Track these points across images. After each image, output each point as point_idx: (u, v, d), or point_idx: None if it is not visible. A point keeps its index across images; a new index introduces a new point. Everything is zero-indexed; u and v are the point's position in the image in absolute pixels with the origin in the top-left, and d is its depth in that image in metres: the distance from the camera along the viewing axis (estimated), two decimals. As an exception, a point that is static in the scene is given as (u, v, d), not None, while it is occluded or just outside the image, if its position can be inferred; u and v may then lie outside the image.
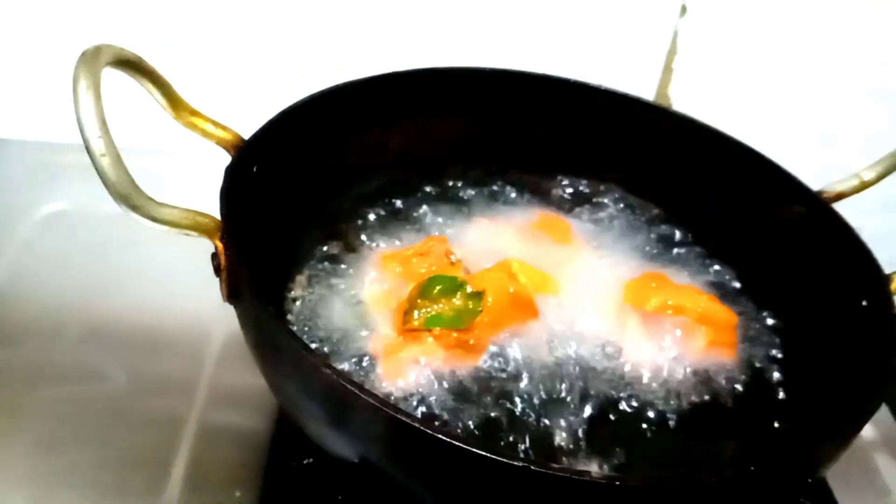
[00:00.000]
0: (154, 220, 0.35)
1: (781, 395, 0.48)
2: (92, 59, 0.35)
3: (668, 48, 0.71)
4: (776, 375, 0.49)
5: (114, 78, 0.38)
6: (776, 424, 0.46)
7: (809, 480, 0.37)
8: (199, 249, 0.40)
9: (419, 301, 0.46)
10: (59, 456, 0.49)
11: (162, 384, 0.55)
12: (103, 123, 0.34)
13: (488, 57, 0.70)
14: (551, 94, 0.60)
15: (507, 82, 0.59)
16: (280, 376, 0.40)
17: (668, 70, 0.72)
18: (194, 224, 0.37)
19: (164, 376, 0.55)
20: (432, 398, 0.44)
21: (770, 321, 0.52)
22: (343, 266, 0.51)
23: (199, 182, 0.43)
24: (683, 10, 0.69)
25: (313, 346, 0.46)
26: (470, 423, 0.43)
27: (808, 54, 0.72)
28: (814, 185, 0.53)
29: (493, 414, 0.44)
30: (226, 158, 0.44)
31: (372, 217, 0.56)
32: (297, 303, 0.49)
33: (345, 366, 0.45)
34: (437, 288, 0.47)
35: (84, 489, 0.48)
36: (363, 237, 0.54)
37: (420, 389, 0.44)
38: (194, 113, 0.43)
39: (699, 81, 0.73)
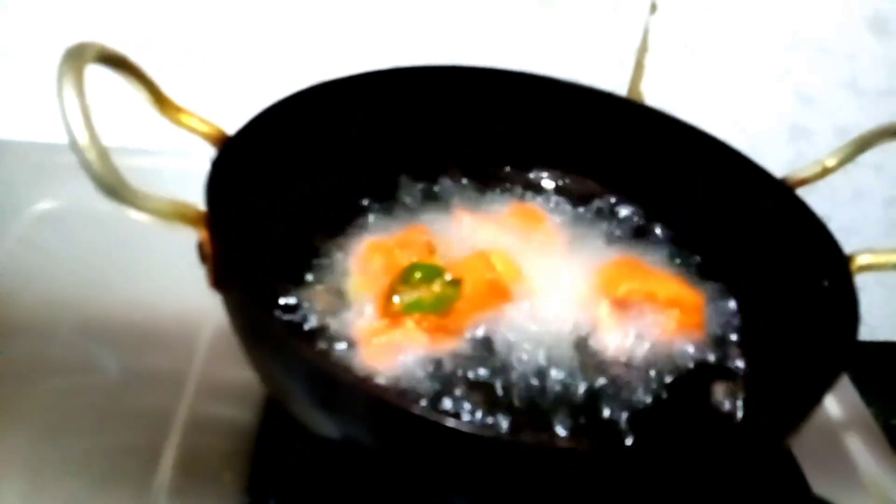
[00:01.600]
0: (140, 210, 0.37)
1: (746, 372, 0.50)
2: (75, 56, 0.37)
3: (640, 45, 0.72)
4: (741, 353, 0.51)
5: (100, 78, 0.40)
6: (744, 398, 0.48)
7: (775, 448, 0.38)
8: (189, 244, 0.41)
9: (400, 287, 0.48)
10: (54, 446, 0.51)
11: (153, 376, 0.56)
12: (87, 117, 0.35)
13: (467, 55, 0.71)
14: (526, 90, 0.61)
15: (484, 80, 0.61)
16: (264, 360, 0.41)
17: (639, 66, 0.74)
18: (179, 214, 0.38)
19: (155, 369, 0.57)
20: (412, 379, 0.45)
21: (736, 302, 0.54)
22: (327, 255, 0.53)
23: (187, 179, 0.45)
24: (653, 7, 0.71)
25: (298, 330, 0.47)
26: (447, 402, 0.45)
27: (778, 48, 0.74)
28: (780, 173, 0.55)
29: (469, 394, 0.45)
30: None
31: (356, 208, 0.57)
32: (282, 289, 0.50)
33: (328, 350, 0.46)
34: (418, 275, 0.49)
35: (79, 477, 0.49)
36: (347, 227, 0.55)
37: (400, 371, 0.46)
38: (179, 109, 0.45)
39: (670, 77, 0.75)
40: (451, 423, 0.33)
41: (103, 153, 0.35)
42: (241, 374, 0.55)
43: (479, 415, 0.45)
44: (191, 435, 0.52)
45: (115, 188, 0.36)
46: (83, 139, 0.35)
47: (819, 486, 0.54)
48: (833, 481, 0.56)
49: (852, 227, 0.84)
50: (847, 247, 0.49)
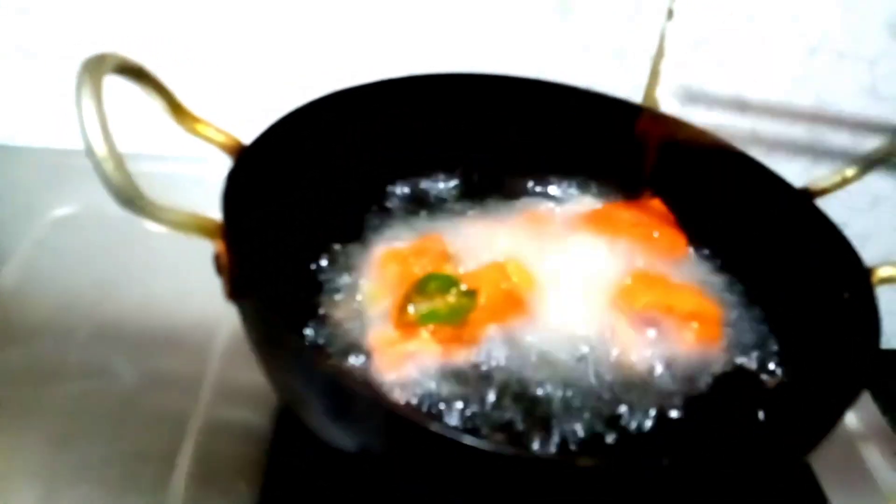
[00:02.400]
0: (157, 221, 0.37)
1: (766, 384, 0.49)
2: (94, 67, 0.37)
3: (656, 51, 0.72)
4: (761, 366, 0.50)
5: (119, 85, 0.40)
6: (761, 414, 0.48)
7: (794, 464, 0.38)
8: (204, 250, 0.41)
9: (415, 297, 0.48)
10: (69, 452, 0.51)
11: (169, 381, 0.56)
12: (105, 129, 0.35)
13: (483, 63, 0.71)
14: (542, 98, 0.61)
15: (500, 87, 0.60)
16: (280, 372, 0.41)
17: (655, 73, 0.73)
18: (196, 226, 0.38)
19: (170, 373, 0.57)
20: (426, 390, 0.45)
21: (755, 313, 0.53)
22: (343, 264, 0.53)
23: (205, 185, 0.45)
24: (670, 13, 0.70)
25: (314, 341, 0.47)
26: (462, 414, 0.45)
27: (797, 53, 0.73)
28: (800, 182, 0.54)
29: (485, 406, 0.45)
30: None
31: (371, 217, 0.57)
32: (298, 300, 0.50)
33: (343, 359, 0.46)
34: (433, 285, 0.48)
35: (94, 484, 0.49)
36: (363, 237, 0.55)
37: (415, 381, 0.46)
38: (196, 119, 0.45)
39: (690, 84, 0.74)
40: (466, 439, 0.33)
41: (121, 164, 0.35)
42: (256, 379, 0.55)
43: (493, 427, 0.44)
44: (206, 440, 0.52)
45: (132, 199, 0.36)
46: (101, 150, 0.35)
47: (836, 496, 0.54)
48: (850, 492, 0.55)
49: (869, 235, 0.84)
50: (864, 253, 0.48)
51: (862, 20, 0.71)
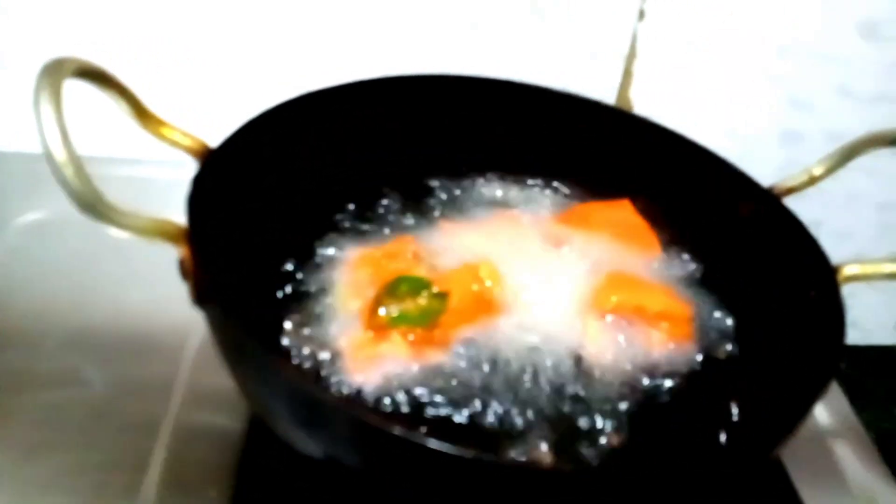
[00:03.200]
0: (119, 226, 0.37)
1: (736, 381, 0.50)
2: (53, 71, 0.36)
3: (628, 52, 0.72)
4: (730, 363, 0.51)
5: (85, 87, 0.40)
6: (733, 409, 0.48)
7: (763, 461, 0.38)
8: (175, 256, 0.41)
9: (386, 299, 0.48)
10: (39, 461, 0.50)
11: (140, 388, 0.56)
12: (64, 133, 0.35)
13: (455, 64, 0.71)
14: (514, 99, 0.61)
15: (471, 88, 0.60)
16: (247, 378, 0.41)
17: (628, 74, 0.74)
18: (160, 231, 0.38)
19: (142, 380, 0.56)
20: (397, 392, 0.45)
21: (724, 311, 0.54)
22: (313, 267, 0.53)
23: (174, 188, 0.45)
24: (642, 14, 0.71)
25: (282, 343, 0.47)
26: (434, 416, 0.45)
27: (769, 53, 0.74)
28: (776, 181, 0.54)
29: (455, 408, 0.45)
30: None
31: (342, 220, 0.57)
32: (267, 304, 0.50)
33: (313, 362, 0.46)
34: (403, 287, 0.48)
35: (64, 493, 0.49)
36: (333, 239, 0.55)
37: (385, 384, 0.45)
38: (161, 122, 0.45)
39: (659, 84, 0.74)
40: (433, 444, 0.33)
41: (80, 169, 0.35)
42: (228, 384, 0.55)
43: (463, 430, 0.44)
44: (177, 447, 0.52)
45: (92, 204, 0.36)
46: (60, 155, 0.35)
47: (808, 495, 0.54)
48: (822, 490, 0.56)
49: (845, 232, 0.84)
50: (840, 251, 0.48)
51: (835, 20, 0.72)
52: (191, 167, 0.45)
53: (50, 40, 0.71)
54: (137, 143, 0.58)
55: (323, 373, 0.46)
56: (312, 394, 0.35)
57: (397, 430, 0.33)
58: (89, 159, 0.36)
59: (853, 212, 0.84)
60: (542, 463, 0.34)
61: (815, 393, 0.38)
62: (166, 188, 0.51)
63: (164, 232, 0.38)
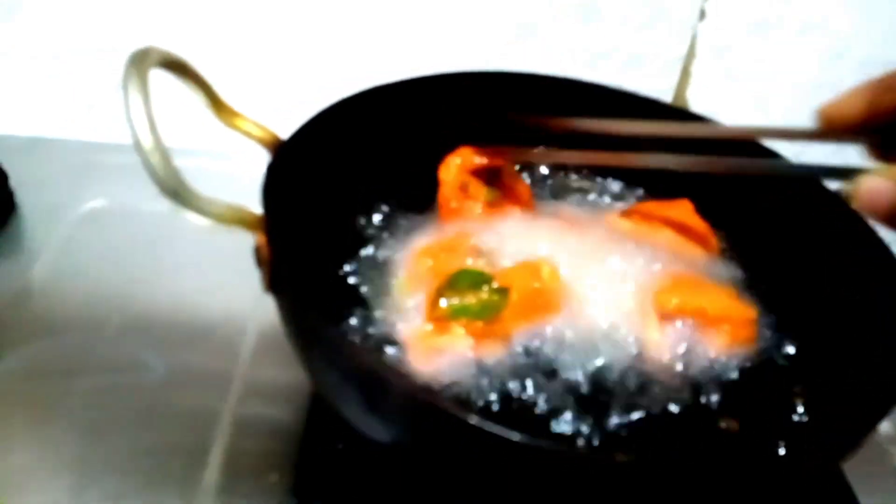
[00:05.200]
0: (200, 213, 0.37)
1: (799, 388, 0.49)
2: (140, 60, 0.37)
3: (687, 52, 0.72)
4: (793, 369, 0.50)
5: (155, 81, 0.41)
6: (794, 418, 0.47)
7: (828, 471, 0.38)
8: (234, 246, 0.41)
9: (447, 292, 0.48)
10: (100, 444, 0.51)
11: (199, 376, 0.57)
12: (152, 122, 0.36)
13: (508, 63, 0.72)
14: (572, 97, 0.61)
15: (531, 85, 0.61)
16: (318, 365, 0.42)
17: (686, 74, 0.73)
18: (238, 218, 0.39)
19: (200, 368, 0.57)
20: (458, 384, 0.45)
21: (786, 314, 0.53)
22: (378, 259, 0.53)
23: (242, 181, 0.45)
24: (702, 14, 0.70)
25: (350, 334, 0.48)
26: (494, 408, 0.45)
27: (824, 57, 0.73)
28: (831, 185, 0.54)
29: (516, 402, 0.45)
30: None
31: (405, 212, 0.57)
32: (335, 293, 0.50)
33: (378, 353, 0.47)
34: (465, 281, 0.49)
35: (125, 475, 0.50)
36: (397, 231, 0.55)
37: (446, 376, 0.46)
38: (235, 114, 0.45)
39: (717, 85, 0.74)
40: (507, 433, 0.33)
41: (166, 157, 0.36)
42: (286, 374, 0.56)
43: (525, 420, 0.44)
44: (236, 435, 0.53)
45: (177, 191, 0.36)
46: (147, 142, 0.36)
47: (864, 493, 0.53)
48: (881, 493, 0.55)
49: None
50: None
51: (885, 25, 0.71)
52: (240, 160, 0.46)
53: (107, 33, 0.73)
54: (207, 135, 0.60)
55: (388, 362, 0.46)
56: (386, 376, 0.35)
57: (467, 416, 0.34)
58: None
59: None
60: (609, 454, 0.34)
61: (886, 403, 0.38)
62: (235, 180, 0.52)
63: (242, 219, 0.39)
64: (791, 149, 0.58)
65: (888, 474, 0.57)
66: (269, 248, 0.39)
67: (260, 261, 0.40)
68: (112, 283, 0.64)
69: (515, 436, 0.33)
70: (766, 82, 0.74)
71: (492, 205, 0.56)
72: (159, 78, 0.41)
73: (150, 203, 0.37)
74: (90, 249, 0.67)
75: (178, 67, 0.41)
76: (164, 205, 0.36)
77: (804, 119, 0.76)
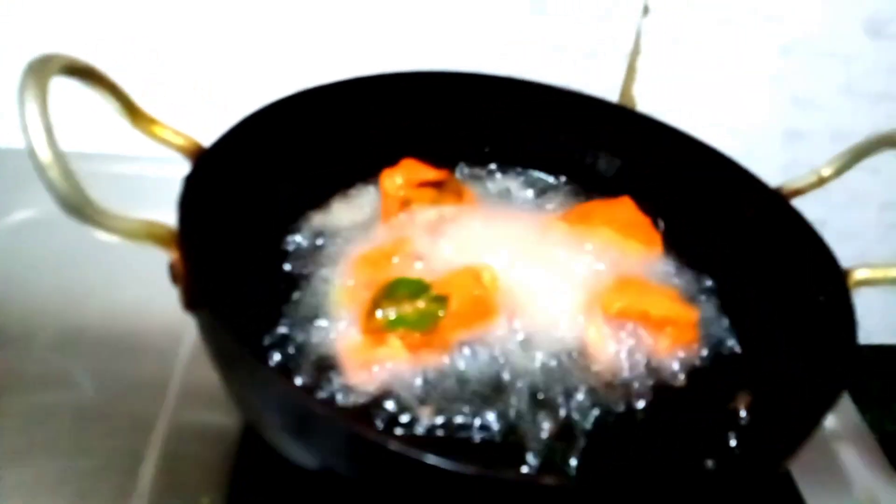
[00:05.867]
0: (107, 231, 0.35)
1: (742, 386, 0.48)
2: (39, 68, 0.35)
3: (632, 48, 0.71)
4: (737, 370, 0.50)
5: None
6: (740, 417, 0.47)
7: (772, 471, 0.37)
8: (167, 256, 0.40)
9: (383, 302, 0.47)
10: (28, 465, 0.49)
11: (133, 389, 0.55)
12: (50, 133, 0.33)
13: (456, 61, 0.70)
14: (518, 95, 0.60)
15: (472, 85, 0.59)
16: (237, 386, 0.40)
17: (631, 70, 0.72)
18: (149, 234, 0.37)
19: (134, 381, 0.55)
20: (395, 397, 0.44)
21: (729, 314, 0.53)
22: (307, 269, 0.52)
23: (168, 184, 0.44)
24: (646, 10, 0.69)
25: (278, 349, 0.46)
26: (430, 422, 0.43)
27: (772, 51, 0.72)
28: (779, 181, 0.53)
29: (454, 414, 0.44)
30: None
31: (343, 218, 0.56)
32: (262, 306, 0.49)
33: (309, 366, 0.45)
34: (402, 290, 0.47)
35: (53, 497, 0.48)
36: (334, 239, 0.54)
37: (383, 388, 0.44)
38: (152, 121, 0.43)
39: (667, 83, 0.73)
40: (428, 458, 0.32)
41: (67, 170, 0.34)
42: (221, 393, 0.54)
43: (458, 437, 0.43)
44: (169, 451, 0.51)
45: (78, 207, 0.34)
46: (45, 156, 0.34)
47: (811, 495, 0.53)
48: (825, 491, 0.55)
49: (848, 232, 0.83)
50: (842, 251, 0.47)
51: (838, 18, 0.71)
52: (181, 163, 0.44)
53: (39, 36, 0.70)
54: (128, 140, 0.58)
55: (318, 377, 0.45)
56: (304, 404, 0.34)
57: (392, 445, 0.32)
58: (77, 155, 0.35)
59: (856, 211, 0.83)
60: (539, 477, 0.33)
61: (829, 401, 0.37)
62: (156, 184, 0.50)
63: (154, 235, 0.37)
64: (739, 148, 0.58)
65: (833, 472, 0.57)
66: (184, 264, 0.37)
67: (175, 278, 0.38)
68: (41, 297, 0.61)
69: (442, 462, 0.32)
70: (713, 77, 0.73)
71: (435, 214, 0.55)
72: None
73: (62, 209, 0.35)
74: (19, 261, 0.64)
75: (85, 73, 0.39)
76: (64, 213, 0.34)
77: (751, 114, 0.77)
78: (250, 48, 0.71)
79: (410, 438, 0.41)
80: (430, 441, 0.42)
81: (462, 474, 0.32)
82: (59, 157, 0.34)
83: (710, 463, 0.44)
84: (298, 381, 0.44)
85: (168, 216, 0.39)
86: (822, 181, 0.51)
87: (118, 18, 0.69)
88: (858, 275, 0.45)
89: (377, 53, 0.70)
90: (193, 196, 0.40)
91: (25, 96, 0.34)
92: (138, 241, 0.37)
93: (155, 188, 0.53)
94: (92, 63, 0.40)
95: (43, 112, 0.34)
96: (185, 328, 0.57)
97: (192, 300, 0.38)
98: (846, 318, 0.43)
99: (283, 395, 0.33)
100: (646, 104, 0.74)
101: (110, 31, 0.70)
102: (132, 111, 0.43)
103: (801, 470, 0.54)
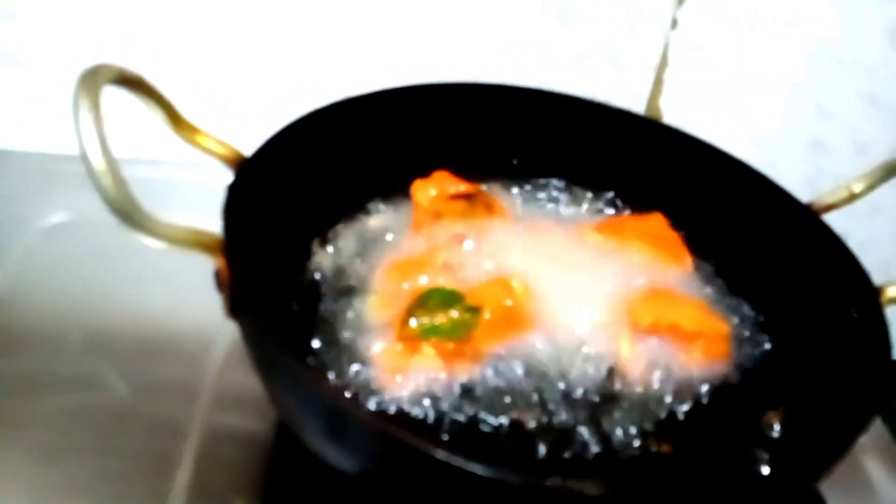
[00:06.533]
0: (157, 237, 0.36)
1: (774, 401, 0.48)
2: (91, 78, 0.36)
3: (659, 61, 0.71)
4: (768, 385, 0.50)
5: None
6: (773, 434, 0.47)
7: (807, 490, 0.38)
8: (200, 258, 0.40)
9: (417, 311, 0.47)
10: (60, 466, 0.50)
11: (164, 392, 0.55)
12: (103, 142, 0.34)
13: (484, 73, 0.71)
14: (545, 107, 0.61)
15: (501, 96, 0.60)
16: (280, 392, 0.41)
17: (658, 82, 0.73)
18: (196, 242, 0.38)
19: (166, 384, 0.56)
20: (428, 406, 0.45)
21: (760, 329, 0.53)
22: (345, 276, 0.52)
23: (202, 191, 0.44)
24: (675, 23, 0.70)
25: (315, 354, 0.47)
26: (464, 430, 0.44)
27: (797, 62, 0.73)
28: (802, 192, 0.54)
29: (487, 423, 0.45)
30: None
31: (377, 228, 0.56)
32: (300, 314, 0.49)
33: (344, 373, 0.46)
34: (436, 300, 0.48)
35: (85, 499, 0.48)
36: (368, 248, 0.54)
37: (416, 397, 0.45)
38: (195, 130, 0.44)
39: (690, 93, 0.74)
40: (469, 465, 0.32)
41: (119, 178, 0.34)
42: (255, 388, 0.54)
43: (494, 444, 0.44)
44: (203, 454, 0.51)
45: (129, 214, 0.35)
46: (99, 164, 0.34)
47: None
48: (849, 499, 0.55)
49: (869, 243, 0.83)
50: (863, 262, 0.48)
51: (862, 28, 0.71)
52: (213, 170, 0.45)
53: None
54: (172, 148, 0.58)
55: (354, 384, 0.45)
56: (347, 409, 0.35)
57: (435, 451, 0.33)
58: (124, 161, 0.35)
59: (875, 224, 0.83)
60: (584, 485, 0.34)
61: (864, 420, 0.38)
62: (188, 191, 0.50)
63: (201, 243, 0.38)
64: (762, 158, 0.58)
65: (859, 484, 0.57)
66: (229, 272, 0.38)
67: (220, 285, 0.39)
68: (74, 298, 0.62)
69: (479, 468, 0.32)
70: (737, 87, 0.74)
71: (466, 224, 0.55)
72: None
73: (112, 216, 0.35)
74: (52, 264, 0.65)
75: (133, 83, 0.40)
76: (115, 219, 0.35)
77: (775, 124, 0.77)
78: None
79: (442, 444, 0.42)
80: (460, 448, 0.43)
81: (504, 482, 0.32)
82: (112, 165, 0.34)
83: (742, 478, 0.44)
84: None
85: (192, 220, 0.39)
86: (853, 197, 0.51)
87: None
88: (892, 292, 0.45)
89: (402, 66, 0.71)
90: (237, 204, 0.41)
91: (80, 105, 0.35)
92: (184, 248, 0.37)
93: (192, 194, 0.54)
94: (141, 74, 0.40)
95: (97, 121, 0.35)
96: (217, 332, 0.59)
97: (237, 307, 0.38)
98: (880, 336, 0.43)
99: (327, 400, 0.34)
100: (669, 114, 0.74)
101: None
102: (176, 120, 0.43)
103: (827, 482, 0.54)
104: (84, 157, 0.34)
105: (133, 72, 0.39)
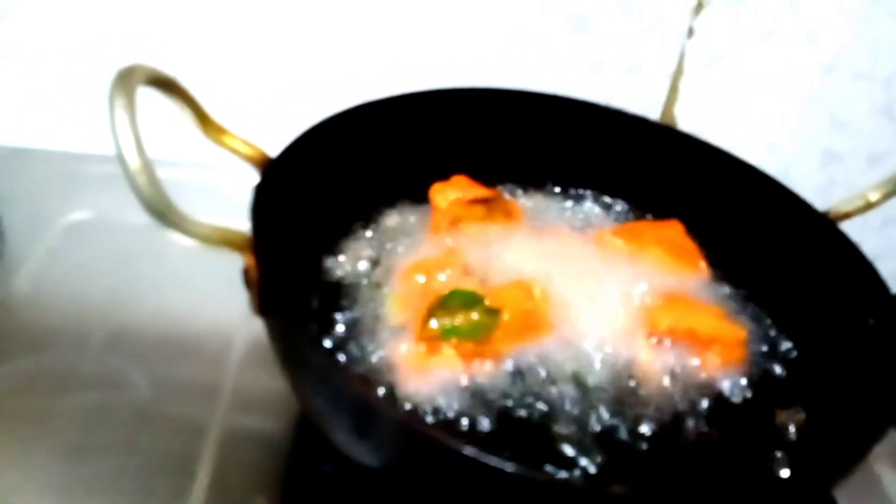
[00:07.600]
0: (188, 234, 0.37)
1: (790, 406, 0.49)
2: (127, 79, 0.37)
3: (675, 69, 0.72)
4: (785, 391, 0.50)
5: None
6: (789, 438, 0.47)
7: (822, 496, 0.38)
8: (220, 258, 0.40)
9: (438, 312, 0.48)
10: (83, 463, 0.50)
11: (185, 391, 0.56)
12: (138, 141, 0.35)
13: (503, 79, 0.71)
14: (562, 113, 0.61)
15: (520, 102, 0.61)
16: (308, 389, 0.41)
17: (674, 90, 0.73)
18: (225, 240, 0.38)
19: (187, 384, 0.56)
20: (447, 406, 0.45)
21: (778, 336, 0.53)
22: (368, 277, 0.53)
23: (234, 192, 0.45)
24: (691, 31, 0.70)
25: (338, 353, 0.47)
26: (484, 430, 0.44)
27: (813, 72, 0.73)
28: (816, 201, 0.54)
29: (506, 422, 0.45)
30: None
31: (396, 229, 0.57)
32: (324, 311, 0.50)
33: (365, 371, 0.46)
34: (456, 301, 0.48)
35: (108, 496, 0.49)
36: (387, 249, 0.55)
37: (436, 396, 0.45)
38: (223, 131, 0.45)
39: (705, 101, 0.74)
40: (489, 459, 0.33)
41: (153, 177, 0.35)
42: (274, 387, 0.55)
43: (513, 444, 0.44)
44: (224, 452, 0.52)
45: (162, 212, 0.36)
46: (134, 163, 0.35)
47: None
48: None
49: (881, 254, 0.83)
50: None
51: (877, 40, 0.72)
52: (226, 171, 0.45)
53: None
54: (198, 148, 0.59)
55: (375, 383, 0.46)
56: (375, 404, 0.35)
57: (456, 444, 0.33)
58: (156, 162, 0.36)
59: (887, 234, 0.83)
60: (608, 486, 0.34)
61: (882, 428, 0.38)
62: (202, 192, 0.51)
63: (230, 241, 0.39)
64: (776, 167, 0.58)
65: (870, 487, 0.57)
66: (258, 270, 0.39)
67: (248, 283, 0.39)
68: (96, 297, 0.62)
69: (509, 466, 0.33)
70: (752, 96, 0.74)
71: (484, 227, 0.56)
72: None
73: (135, 215, 0.36)
74: (74, 262, 0.65)
75: (165, 84, 0.41)
76: (149, 217, 0.36)
77: (790, 133, 0.77)
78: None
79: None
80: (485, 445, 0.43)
81: (531, 479, 0.33)
82: (147, 164, 0.35)
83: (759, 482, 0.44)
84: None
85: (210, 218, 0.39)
86: (869, 206, 0.52)
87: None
88: (909, 300, 0.45)
89: (424, 70, 0.72)
90: (264, 203, 0.42)
91: (115, 105, 0.35)
92: (214, 246, 0.38)
93: (221, 194, 0.54)
94: (173, 75, 0.41)
95: (132, 121, 0.35)
96: (237, 331, 0.59)
97: (265, 305, 0.39)
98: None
99: (357, 397, 0.35)
100: (684, 122, 0.75)
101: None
102: (204, 121, 0.44)
103: (840, 489, 0.54)
104: (120, 157, 0.35)
105: (166, 73, 0.40)
